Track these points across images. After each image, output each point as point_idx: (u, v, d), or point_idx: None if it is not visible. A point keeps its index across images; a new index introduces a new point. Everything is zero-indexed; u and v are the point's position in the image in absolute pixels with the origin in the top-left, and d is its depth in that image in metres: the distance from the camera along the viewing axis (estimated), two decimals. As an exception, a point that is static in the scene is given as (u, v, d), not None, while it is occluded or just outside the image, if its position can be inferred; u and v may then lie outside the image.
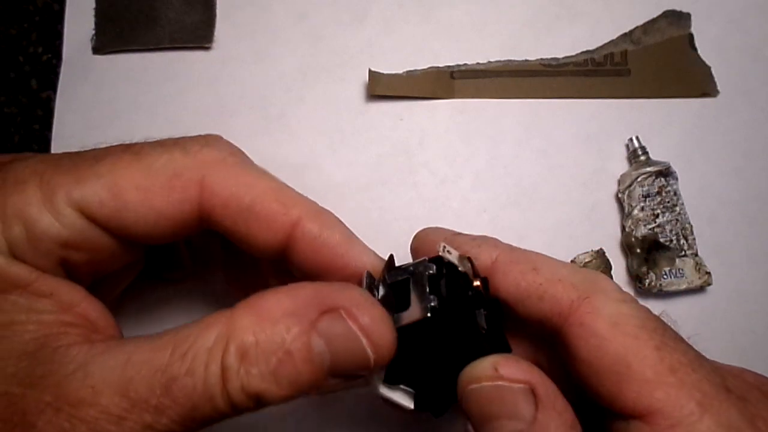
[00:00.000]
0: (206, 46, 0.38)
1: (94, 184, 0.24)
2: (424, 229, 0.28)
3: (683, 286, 0.34)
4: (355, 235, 0.26)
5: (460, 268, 0.25)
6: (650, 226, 0.35)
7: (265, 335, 0.21)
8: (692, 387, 0.21)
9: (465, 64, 0.38)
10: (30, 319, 0.22)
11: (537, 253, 0.26)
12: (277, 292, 0.22)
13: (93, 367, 0.21)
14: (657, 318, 0.24)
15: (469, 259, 0.25)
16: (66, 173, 0.24)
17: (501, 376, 0.23)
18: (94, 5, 0.38)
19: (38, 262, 0.23)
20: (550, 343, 0.26)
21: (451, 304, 0.24)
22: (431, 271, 0.24)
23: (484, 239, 0.26)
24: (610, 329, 0.23)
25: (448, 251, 0.25)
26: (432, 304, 0.23)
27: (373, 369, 0.23)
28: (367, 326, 0.22)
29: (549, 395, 0.22)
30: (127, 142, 0.26)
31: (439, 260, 0.25)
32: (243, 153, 0.26)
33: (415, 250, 0.28)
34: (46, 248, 0.23)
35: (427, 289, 0.24)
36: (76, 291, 0.24)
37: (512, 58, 0.38)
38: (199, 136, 0.26)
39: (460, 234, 0.27)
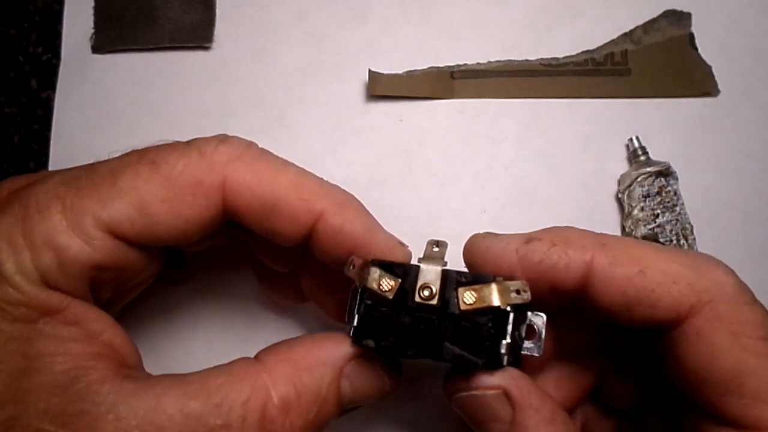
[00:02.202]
0: (206, 45, 0.38)
1: (120, 203, 0.23)
2: (481, 239, 0.25)
3: (683, 287, 0.34)
4: (377, 223, 0.26)
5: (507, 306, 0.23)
6: (650, 227, 0.35)
7: (305, 387, 0.23)
8: None
9: (465, 64, 0.38)
10: (58, 350, 0.22)
11: (634, 244, 0.24)
12: (305, 343, 0.25)
13: (124, 409, 0.22)
14: None
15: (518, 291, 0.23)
16: (88, 195, 0.23)
17: (473, 387, 0.23)
18: (93, 4, 0.38)
19: (70, 287, 0.23)
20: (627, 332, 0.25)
21: (368, 327, 0.24)
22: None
23: (565, 240, 0.23)
24: (730, 340, 0.21)
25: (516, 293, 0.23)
26: (353, 323, 0.24)
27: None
28: (388, 368, 0.25)
29: (523, 396, 0.23)
30: (138, 148, 0.25)
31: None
32: (256, 145, 0.26)
33: (472, 265, 0.25)
34: (78, 273, 0.23)
35: (355, 306, 0.25)
36: (102, 319, 0.24)
37: (512, 58, 0.38)
38: (208, 136, 0.26)
39: (531, 239, 0.24)
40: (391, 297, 0.23)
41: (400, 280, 0.23)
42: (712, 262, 0.23)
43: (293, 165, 0.26)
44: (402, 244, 0.26)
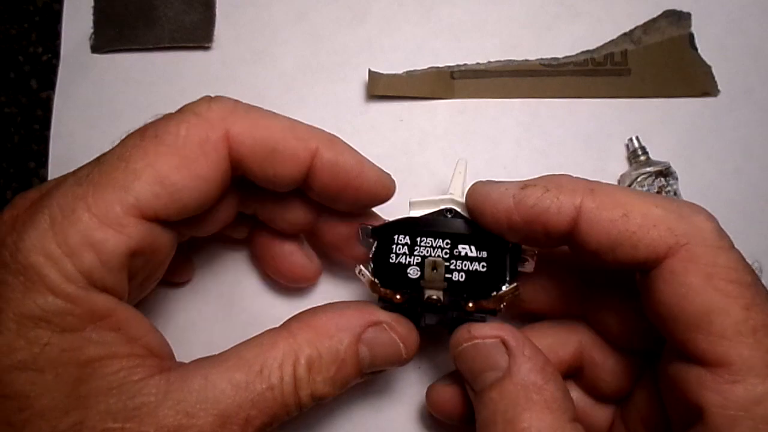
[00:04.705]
0: (206, 45, 0.38)
1: (140, 183, 0.24)
2: (481, 186, 0.28)
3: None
4: (365, 157, 0.29)
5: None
6: (650, 227, 0.35)
7: (325, 349, 0.26)
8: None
9: (465, 64, 0.38)
10: (105, 355, 0.23)
11: (621, 190, 0.25)
12: (327, 311, 0.27)
13: (180, 394, 0.23)
14: (751, 270, 0.24)
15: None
16: (108, 186, 0.24)
17: (474, 336, 0.27)
18: (92, 3, 0.38)
19: (113, 282, 0.24)
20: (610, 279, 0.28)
21: (380, 270, 0.27)
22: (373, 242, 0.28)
23: (557, 185, 0.25)
24: (702, 282, 0.23)
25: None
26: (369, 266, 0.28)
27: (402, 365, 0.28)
28: (403, 336, 0.28)
29: (518, 345, 0.26)
30: (134, 129, 0.26)
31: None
32: (241, 101, 0.28)
33: (473, 210, 0.27)
34: (118, 264, 0.24)
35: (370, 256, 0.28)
36: (142, 324, 0.25)
37: (512, 58, 0.38)
38: (195, 100, 0.27)
39: (527, 185, 0.26)
40: (402, 303, 0.28)
41: (407, 295, 0.27)
42: (694, 209, 0.24)
43: (280, 114, 0.28)
44: (389, 177, 0.29)
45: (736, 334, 0.22)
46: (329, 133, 0.28)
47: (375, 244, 0.28)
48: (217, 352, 0.34)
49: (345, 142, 0.28)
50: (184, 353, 0.34)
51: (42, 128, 0.37)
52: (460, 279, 0.27)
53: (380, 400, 0.34)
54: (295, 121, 0.28)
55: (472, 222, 0.27)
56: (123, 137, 0.26)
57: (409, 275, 0.27)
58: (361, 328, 0.27)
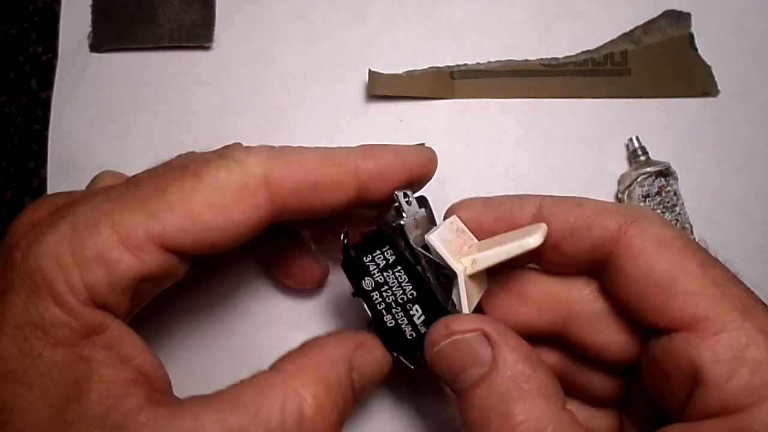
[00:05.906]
0: (206, 45, 0.38)
1: (171, 215, 0.24)
2: (461, 204, 0.30)
3: (683, 287, 0.34)
4: (396, 146, 0.28)
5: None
6: (650, 227, 0.35)
7: (330, 383, 0.25)
8: (734, 298, 0.23)
9: (465, 64, 0.38)
10: (92, 376, 0.23)
11: (574, 197, 0.27)
12: (313, 347, 0.27)
13: None
14: (696, 242, 0.26)
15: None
16: (137, 210, 0.24)
17: (453, 331, 0.25)
18: (91, 2, 0.38)
19: (115, 302, 0.23)
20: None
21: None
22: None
23: (523, 196, 0.28)
24: (657, 248, 0.24)
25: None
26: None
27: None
28: (382, 350, 0.28)
29: (501, 335, 0.25)
30: (172, 161, 0.26)
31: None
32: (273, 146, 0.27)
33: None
34: (125, 286, 0.23)
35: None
36: (136, 344, 0.24)
37: (512, 58, 0.38)
38: (229, 145, 0.27)
39: (495, 198, 0.28)
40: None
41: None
42: (639, 207, 0.28)
43: (308, 147, 0.27)
44: (423, 148, 0.30)
45: (701, 288, 0.23)
46: (358, 146, 0.28)
47: (374, 230, 0.27)
48: (216, 352, 0.34)
49: (377, 145, 0.28)
50: (184, 354, 0.34)
51: (42, 128, 0.37)
52: (387, 324, 0.27)
53: (377, 400, 0.34)
54: (324, 149, 0.27)
55: (449, 294, 0.27)
56: (158, 164, 0.26)
57: (363, 284, 0.27)
58: (351, 353, 0.27)
